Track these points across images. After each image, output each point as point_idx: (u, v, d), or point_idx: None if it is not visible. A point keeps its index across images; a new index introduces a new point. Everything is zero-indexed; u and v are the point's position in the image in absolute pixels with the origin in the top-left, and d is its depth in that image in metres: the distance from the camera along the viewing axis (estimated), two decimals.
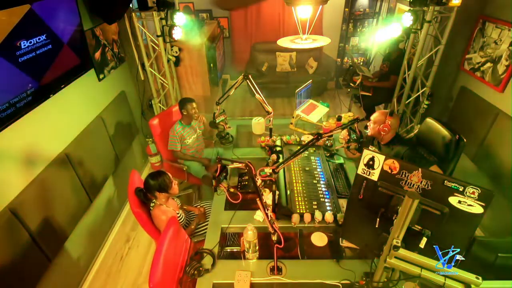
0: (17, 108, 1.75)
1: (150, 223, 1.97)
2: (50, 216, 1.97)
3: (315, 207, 1.97)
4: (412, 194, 1.06)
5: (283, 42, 2.27)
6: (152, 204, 1.96)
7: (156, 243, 2.10)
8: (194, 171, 2.83)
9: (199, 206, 2.32)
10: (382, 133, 2.07)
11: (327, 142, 2.52)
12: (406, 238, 1.16)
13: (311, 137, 2.64)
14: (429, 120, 2.32)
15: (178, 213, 2.03)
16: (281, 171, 2.26)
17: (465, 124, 2.91)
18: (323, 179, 2.22)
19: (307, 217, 1.87)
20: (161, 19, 3.06)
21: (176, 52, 3.38)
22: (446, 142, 2.11)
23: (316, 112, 3.02)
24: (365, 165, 1.29)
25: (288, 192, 2.10)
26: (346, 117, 2.76)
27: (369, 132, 2.19)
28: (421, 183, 1.19)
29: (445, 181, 1.13)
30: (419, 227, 1.20)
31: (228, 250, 1.84)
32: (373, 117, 2.15)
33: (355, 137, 1.99)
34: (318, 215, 1.85)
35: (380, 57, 4.76)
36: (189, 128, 2.79)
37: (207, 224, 2.10)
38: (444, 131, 2.14)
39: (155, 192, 1.92)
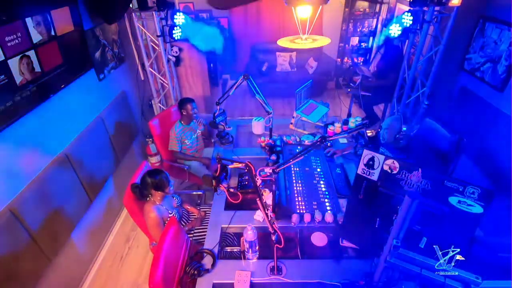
0: (18, 108, 1.76)
1: (142, 216, 1.98)
2: (50, 216, 1.97)
3: (315, 207, 1.97)
4: (412, 194, 1.06)
5: (283, 42, 2.27)
6: (147, 198, 1.97)
7: (148, 237, 2.10)
8: (195, 170, 2.84)
9: (200, 209, 2.31)
10: (400, 141, 2.02)
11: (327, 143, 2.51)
12: (406, 238, 1.16)
13: (311, 138, 2.66)
14: (428, 120, 2.32)
15: (171, 213, 2.02)
16: (281, 171, 2.26)
17: (465, 124, 2.91)
18: (323, 179, 2.22)
19: (307, 217, 1.87)
20: (161, 19, 3.06)
21: (176, 52, 3.38)
22: (446, 142, 2.11)
23: (316, 112, 3.02)
24: (365, 165, 1.29)
25: (288, 192, 2.10)
26: (353, 121, 2.72)
27: (386, 139, 2.12)
28: (421, 183, 1.19)
29: (445, 181, 1.13)
30: (419, 227, 1.21)
31: (228, 250, 1.84)
32: (387, 124, 2.08)
33: (363, 142, 1.98)
34: (318, 215, 1.86)
35: (380, 57, 4.76)
36: (189, 128, 2.79)
37: (202, 229, 2.09)
38: (444, 131, 2.14)
39: (151, 189, 1.92)
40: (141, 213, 1.98)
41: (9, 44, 1.68)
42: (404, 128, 2.00)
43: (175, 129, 2.70)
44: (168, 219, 1.94)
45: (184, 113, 2.70)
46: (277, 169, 1.61)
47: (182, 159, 2.86)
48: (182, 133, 2.73)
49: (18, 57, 1.75)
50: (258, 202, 1.46)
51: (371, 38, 5.38)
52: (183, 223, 2.17)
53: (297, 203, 2.01)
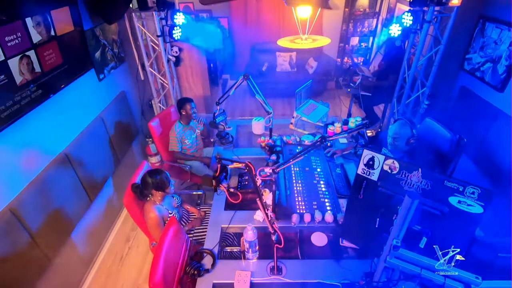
0: (17, 108, 1.76)
1: (142, 216, 1.98)
2: (50, 216, 1.97)
3: (315, 207, 1.97)
4: (412, 194, 1.06)
5: (283, 42, 2.27)
6: (147, 198, 1.97)
7: (148, 237, 2.10)
8: (197, 170, 2.84)
9: (200, 209, 2.31)
10: (410, 145, 1.96)
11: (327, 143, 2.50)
12: (406, 238, 1.16)
13: (311, 138, 2.66)
14: (428, 120, 2.32)
15: (171, 213, 2.03)
16: (281, 171, 2.26)
17: (465, 124, 2.90)
18: (323, 179, 2.22)
19: (307, 217, 1.87)
20: (161, 19, 3.06)
21: (176, 52, 3.38)
22: (446, 142, 2.10)
23: (316, 112, 3.02)
24: (365, 165, 1.29)
25: (288, 192, 2.10)
26: (353, 121, 2.70)
27: (395, 147, 2.04)
28: (421, 183, 1.19)
29: (445, 181, 1.13)
30: (419, 227, 1.20)
31: (228, 250, 1.84)
32: (395, 131, 1.98)
33: (363, 142, 1.96)
34: (318, 215, 1.86)
35: (380, 57, 4.76)
36: (188, 128, 2.79)
37: (202, 229, 2.09)
38: (444, 131, 2.14)
39: (152, 189, 1.92)
40: (141, 213, 1.98)
41: (9, 44, 1.68)
42: (415, 131, 1.93)
43: (175, 129, 2.70)
44: (168, 219, 1.95)
45: (183, 113, 2.70)
46: (277, 169, 1.61)
47: (183, 159, 2.86)
48: (182, 133, 2.73)
49: (18, 57, 1.75)
50: (258, 202, 1.46)
51: (371, 38, 5.39)
52: (183, 223, 2.17)
53: (297, 203, 2.01)
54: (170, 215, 2.00)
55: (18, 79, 1.76)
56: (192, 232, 2.14)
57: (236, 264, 1.68)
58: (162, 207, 1.98)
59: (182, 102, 2.68)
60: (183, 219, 2.19)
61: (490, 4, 2.73)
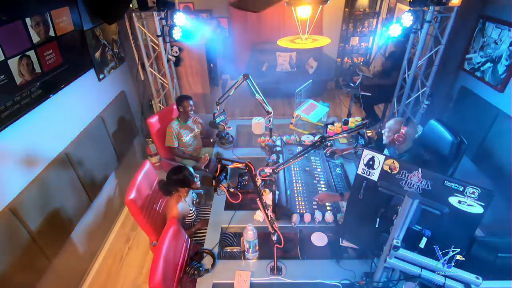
0: (17, 108, 1.76)
1: (142, 215, 1.98)
2: (50, 216, 1.97)
3: (315, 207, 1.97)
4: (412, 194, 1.06)
5: (283, 42, 2.27)
6: (173, 191, 2.01)
7: (149, 236, 2.11)
8: None
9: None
10: (396, 143, 2.01)
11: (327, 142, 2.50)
12: (406, 238, 1.16)
13: (311, 137, 2.66)
14: (432, 122, 2.31)
15: (191, 210, 2.07)
16: (281, 171, 2.26)
17: (465, 124, 2.90)
18: (323, 179, 2.22)
19: (307, 217, 1.87)
20: (161, 19, 3.06)
21: (176, 52, 3.38)
22: (447, 145, 2.09)
23: (316, 112, 3.02)
24: (365, 165, 1.29)
25: (288, 192, 2.10)
26: (353, 121, 2.70)
27: (384, 140, 2.11)
28: (421, 183, 1.19)
29: (445, 181, 1.13)
30: (419, 227, 1.20)
31: (228, 250, 1.84)
32: (388, 124, 2.08)
33: (363, 142, 1.98)
34: (318, 215, 1.86)
35: (380, 57, 4.76)
36: (185, 126, 2.79)
37: (202, 230, 2.10)
38: (447, 134, 2.13)
39: (177, 187, 1.97)
40: (142, 213, 1.97)
41: (9, 44, 1.68)
42: (404, 130, 1.96)
43: (172, 124, 2.71)
44: (189, 214, 2.02)
45: (181, 109, 2.71)
46: (277, 169, 1.61)
47: (180, 157, 2.85)
48: (178, 129, 2.73)
49: (18, 57, 1.75)
50: (258, 202, 1.46)
51: (371, 38, 5.39)
52: (195, 220, 2.18)
53: (297, 203, 2.01)
54: (190, 212, 2.05)
55: (18, 79, 1.76)
56: (200, 233, 2.14)
57: (236, 264, 1.68)
58: (185, 203, 2.02)
59: (180, 99, 2.69)
60: (196, 216, 2.20)
61: (490, 4, 2.73)
